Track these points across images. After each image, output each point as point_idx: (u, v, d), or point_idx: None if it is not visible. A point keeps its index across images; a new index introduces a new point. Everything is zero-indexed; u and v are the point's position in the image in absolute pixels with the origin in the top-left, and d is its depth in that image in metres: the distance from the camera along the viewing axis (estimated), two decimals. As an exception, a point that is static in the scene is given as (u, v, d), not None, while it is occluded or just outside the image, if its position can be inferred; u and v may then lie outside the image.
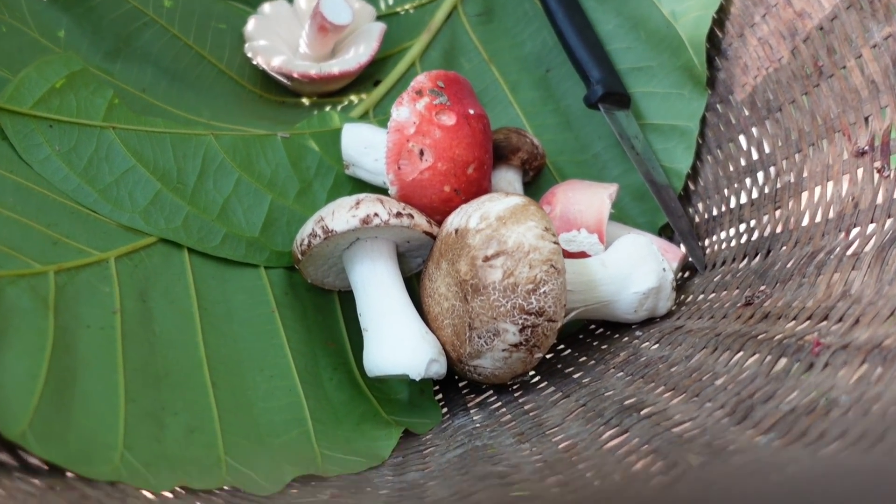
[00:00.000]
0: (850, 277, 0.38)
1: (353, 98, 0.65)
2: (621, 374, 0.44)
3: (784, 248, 0.47)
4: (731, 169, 0.57)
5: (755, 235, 0.51)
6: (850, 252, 0.40)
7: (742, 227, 0.54)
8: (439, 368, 0.45)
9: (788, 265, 0.44)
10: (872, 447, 0.24)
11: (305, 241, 0.46)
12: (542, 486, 0.31)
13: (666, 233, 0.60)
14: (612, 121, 0.58)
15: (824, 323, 0.36)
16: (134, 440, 0.35)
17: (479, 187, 0.50)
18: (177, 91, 0.58)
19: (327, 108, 0.65)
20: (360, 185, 0.56)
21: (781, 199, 0.50)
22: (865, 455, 0.20)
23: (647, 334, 0.48)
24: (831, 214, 0.44)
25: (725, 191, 0.57)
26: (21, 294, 0.36)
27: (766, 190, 0.52)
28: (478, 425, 0.45)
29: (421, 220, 0.47)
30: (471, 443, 0.42)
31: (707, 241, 0.57)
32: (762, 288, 0.44)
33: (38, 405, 0.32)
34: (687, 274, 0.57)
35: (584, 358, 0.50)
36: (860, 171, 0.43)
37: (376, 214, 0.45)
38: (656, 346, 0.46)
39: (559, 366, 0.51)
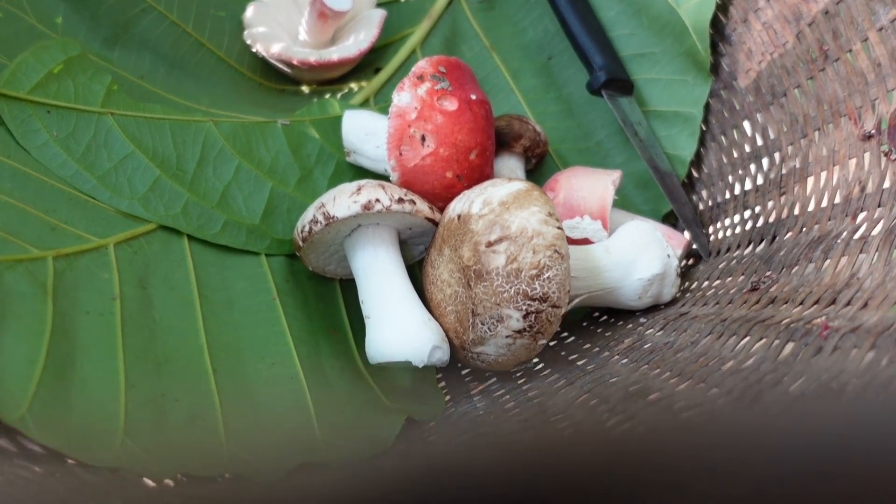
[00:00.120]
0: (857, 261, 0.38)
1: (354, 86, 0.65)
2: (626, 360, 0.44)
3: (790, 233, 0.46)
4: (736, 155, 0.56)
5: (760, 222, 0.51)
6: (857, 236, 0.39)
7: (747, 213, 0.53)
8: (442, 355, 0.44)
9: (795, 250, 0.44)
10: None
11: (307, 228, 0.46)
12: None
13: (670, 220, 0.60)
14: (616, 107, 0.57)
15: (832, 307, 0.36)
16: (134, 426, 0.34)
17: (481, 173, 0.50)
18: (175, 78, 0.57)
19: (327, 96, 0.65)
20: (362, 173, 0.56)
21: (787, 184, 0.50)
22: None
23: (652, 321, 0.48)
24: (838, 199, 0.44)
25: (730, 177, 0.57)
26: (19, 279, 0.35)
27: (772, 176, 0.52)
28: (481, 412, 0.44)
29: (423, 206, 0.47)
30: (474, 430, 0.41)
31: (711, 229, 0.57)
32: (768, 273, 0.44)
33: (37, 390, 0.32)
34: (691, 261, 0.57)
35: (588, 345, 0.50)
36: (867, 155, 0.43)
37: (378, 200, 0.45)
38: (661, 332, 0.45)
39: (563, 353, 0.51)
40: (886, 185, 0.40)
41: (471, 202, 0.44)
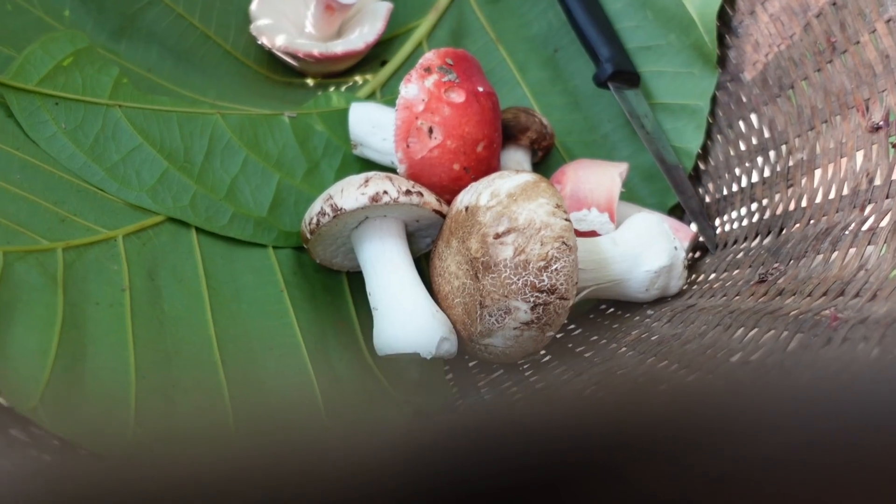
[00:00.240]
0: (865, 252, 0.38)
1: (360, 78, 0.65)
2: (633, 352, 0.44)
3: (797, 225, 0.46)
4: (743, 148, 0.56)
5: (767, 214, 0.51)
6: (865, 227, 0.39)
7: (754, 206, 0.53)
8: (450, 347, 0.44)
9: (802, 242, 0.44)
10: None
11: (314, 220, 0.46)
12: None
13: (676, 213, 0.60)
14: (622, 99, 0.57)
15: (841, 298, 0.36)
16: (145, 416, 0.35)
17: (488, 166, 0.50)
18: (182, 71, 0.57)
19: (333, 89, 0.64)
20: (368, 165, 0.56)
21: (794, 176, 0.50)
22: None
23: (659, 313, 0.48)
24: (845, 191, 0.44)
25: (737, 170, 0.57)
26: (30, 270, 0.36)
27: (779, 168, 0.52)
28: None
29: (430, 199, 0.47)
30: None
31: (718, 221, 0.57)
32: (776, 265, 0.44)
33: (49, 380, 0.32)
34: (698, 254, 0.57)
35: (595, 337, 0.50)
36: (875, 147, 0.43)
37: (385, 192, 0.45)
38: (668, 324, 0.45)
39: (570, 345, 0.51)
40: (895, 176, 0.40)
41: (478, 194, 0.44)
